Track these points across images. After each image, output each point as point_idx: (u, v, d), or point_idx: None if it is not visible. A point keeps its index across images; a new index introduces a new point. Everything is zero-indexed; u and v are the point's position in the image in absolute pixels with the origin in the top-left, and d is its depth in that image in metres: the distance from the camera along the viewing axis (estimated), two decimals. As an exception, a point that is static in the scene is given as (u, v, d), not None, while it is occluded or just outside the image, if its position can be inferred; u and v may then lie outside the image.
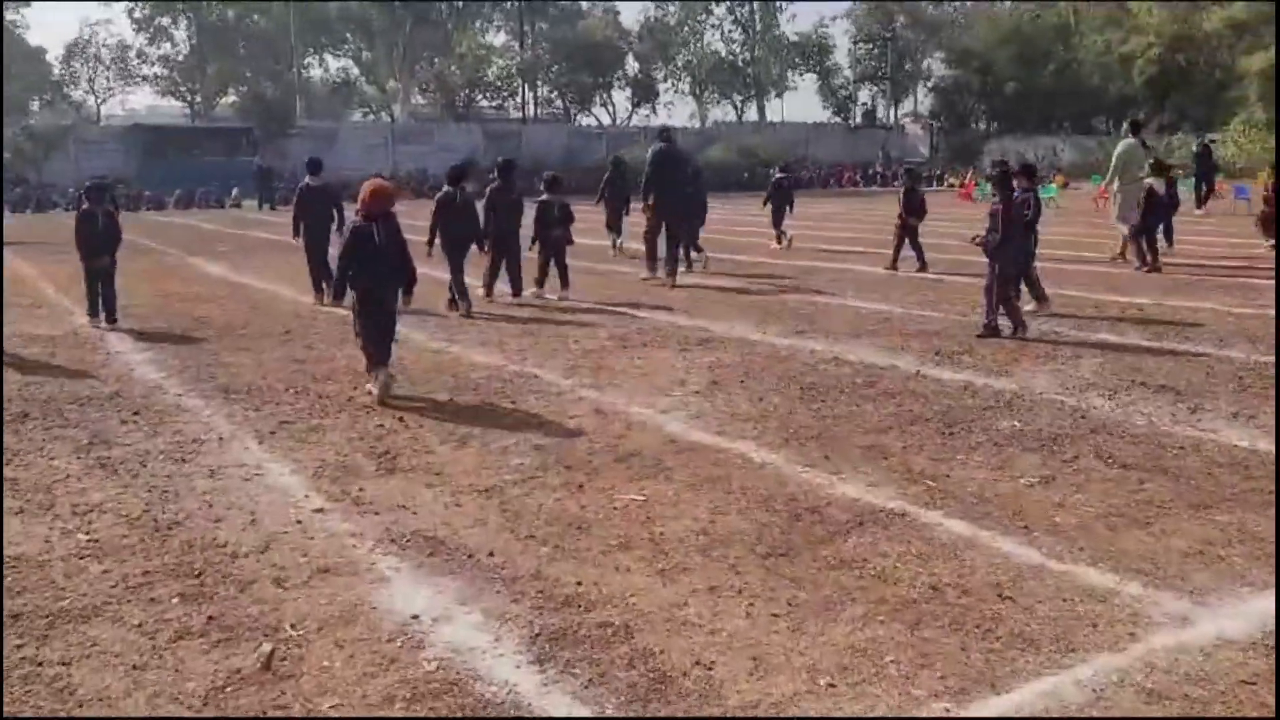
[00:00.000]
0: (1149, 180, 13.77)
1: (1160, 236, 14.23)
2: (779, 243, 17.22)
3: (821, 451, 5.62)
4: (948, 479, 5.13)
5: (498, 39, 62.99)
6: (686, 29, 64.45)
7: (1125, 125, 15.58)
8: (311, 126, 48.71)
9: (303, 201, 11.81)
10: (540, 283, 11.64)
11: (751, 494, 4.94)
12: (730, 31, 64.27)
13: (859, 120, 64.37)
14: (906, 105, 69.15)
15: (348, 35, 60.58)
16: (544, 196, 11.93)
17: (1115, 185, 14.07)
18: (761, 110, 64.50)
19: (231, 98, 55.32)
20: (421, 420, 6.39)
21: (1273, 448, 5.47)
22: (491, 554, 4.27)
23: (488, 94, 61.62)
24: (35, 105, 53.83)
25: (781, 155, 53.41)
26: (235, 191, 37.10)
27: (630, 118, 64.35)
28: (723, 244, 17.30)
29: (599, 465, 5.44)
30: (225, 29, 53.64)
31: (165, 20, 51.74)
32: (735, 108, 66.46)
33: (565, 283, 11.61)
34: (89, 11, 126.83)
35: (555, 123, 60.59)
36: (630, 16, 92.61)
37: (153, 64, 53.46)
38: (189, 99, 54.75)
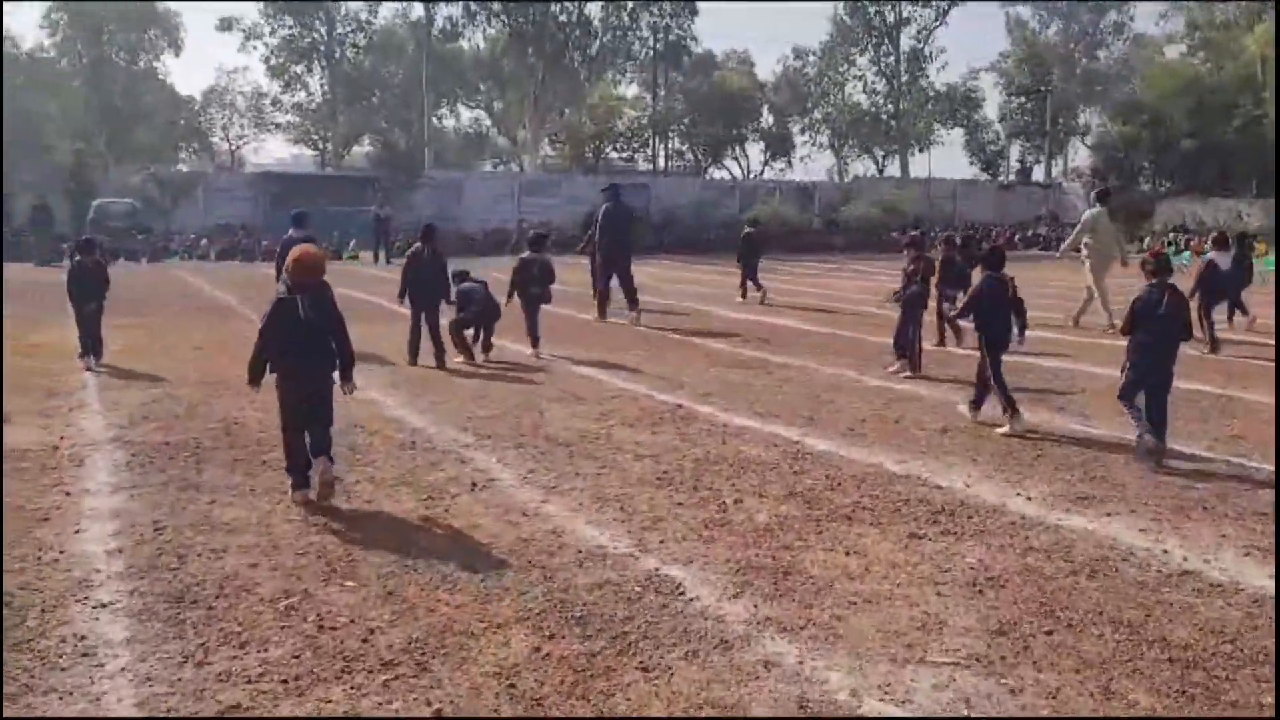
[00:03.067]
0: (1211, 254, 12.78)
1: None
2: (743, 297, 17.93)
3: None
4: None
5: (630, 90, 61.31)
6: (826, 80, 61.48)
7: (1094, 194, 15.63)
8: (438, 177, 47.37)
9: (285, 253, 12.03)
10: (534, 342, 11.56)
11: None
12: (873, 83, 60.97)
13: (1012, 177, 60.09)
14: (1059, 162, 64.50)
15: (480, 85, 59.70)
16: (525, 254, 11.96)
17: (1083, 251, 14.13)
18: (905, 165, 60.75)
19: (366, 147, 54.74)
20: (475, 715, 3.45)
21: None
22: None
23: (617, 145, 59.80)
24: (183, 153, 54.15)
25: (928, 213, 49.82)
26: (353, 243, 35.53)
27: (763, 170, 61.63)
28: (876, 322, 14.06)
29: None
30: (359, 77, 53.14)
31: (300, 68, 51.42)
32: (876, 162, 63.02)
33: (533, 336, 11.61)
34: (225, 59, 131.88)
35: (685, 175, 58.25)
36: (766, 68, 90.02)
37: (286, 111, 53.26)
38: (320, 147, 54.37)
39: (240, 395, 9.14)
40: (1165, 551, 5.07)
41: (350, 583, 4.65)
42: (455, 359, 10.96)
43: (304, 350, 5.93)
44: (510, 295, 11.68)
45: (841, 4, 58.19)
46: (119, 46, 48.45)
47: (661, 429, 7.86)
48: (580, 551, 5.07)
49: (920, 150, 62.97)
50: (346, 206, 43.83)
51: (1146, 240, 40.86)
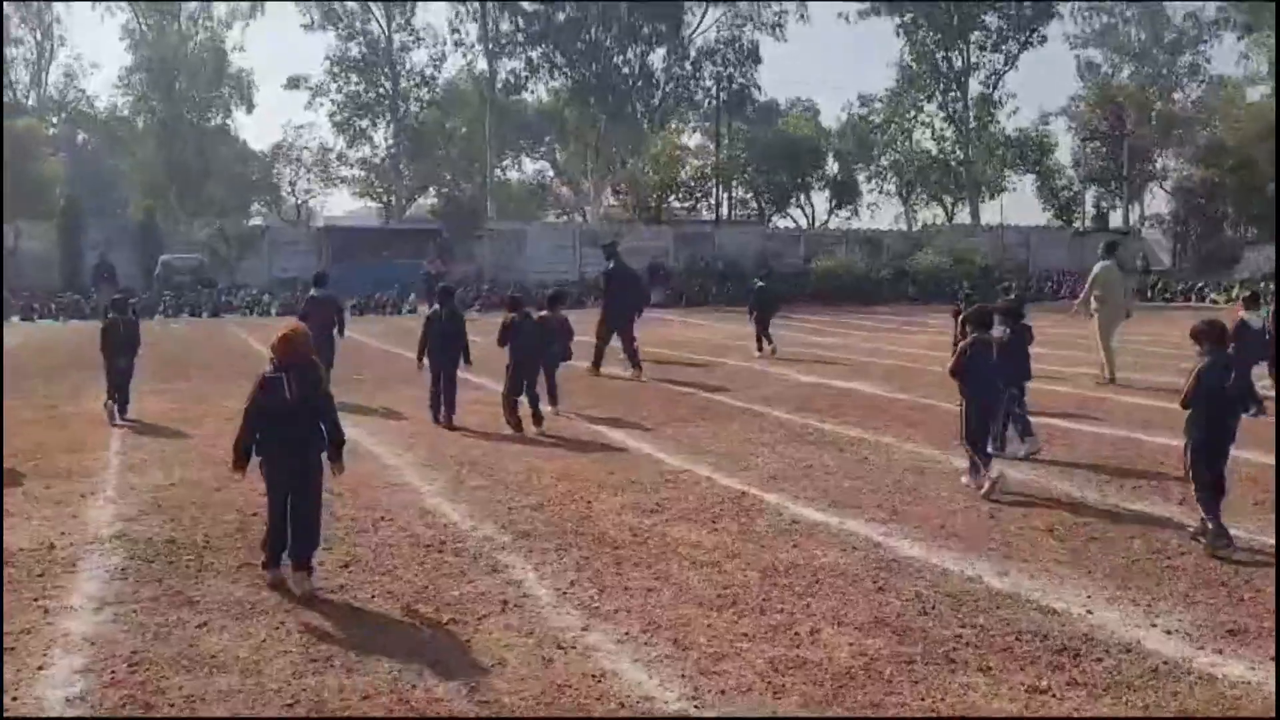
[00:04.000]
0: (1241, 313, 12.18)
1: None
2: (759, 350, 18.00)
3: None
4: None
5: (693, 139, 60.89)
6: (893, 126, 60.47)
7: (1101, 247, 15.27)
8: (500, 228, 47.23)
9: (307, 312, 12.63)
10: (554, 401, 11.43)
11: None
12: (941, 129, 59.73)
13: (1088, 224, 58.27)
14: (1136, 207, 62.45)
15: (545, 137, 59.83)
16: (543, 313, 11.75)
17: (1092, 307, 14.10)
18: (975, 212, 59.30)
19: (431, 199, 54.90)
20: None
21: None
22: None
23: (680, 194, 59.34)
24: (255, 207, 54.85)
25: (1000, 261, 48.20)
26: (412, 297, 35.28)
27: (829, 219, 60.62)
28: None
29: None
30: (424, 131, 53.51)
31: (364, 123, 51.91)
32: (945, 209, 61.65)
33: (554, 399, 11.47)
34: (294, 116, 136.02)
35: (749, 224, 57.45)
36: (831, 115, 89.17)
37: (351, 165, 53.70)
38: (385, 200, 54.71)
39: (259, 480, 8.46)
40: (1361, 720, 4.02)
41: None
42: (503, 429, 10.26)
43: (291, 431, 5.59)
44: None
45: (908, 51, 57.42)
46: (189, 105, 49.25)
47: (722, 524, 6.95)
48: (623, 705, 4.18)
49: (991, 197, 61.50)
50: (408, 259, 43.81)
51: (1235, 290, 38.96)
